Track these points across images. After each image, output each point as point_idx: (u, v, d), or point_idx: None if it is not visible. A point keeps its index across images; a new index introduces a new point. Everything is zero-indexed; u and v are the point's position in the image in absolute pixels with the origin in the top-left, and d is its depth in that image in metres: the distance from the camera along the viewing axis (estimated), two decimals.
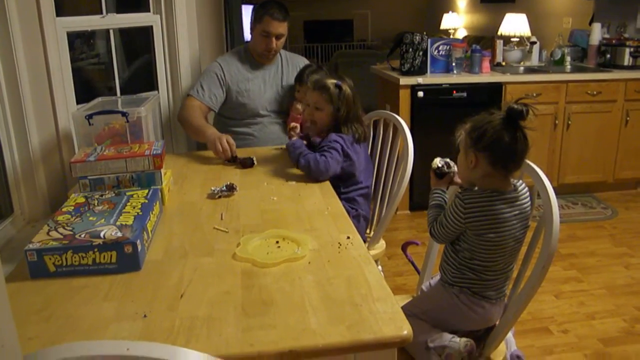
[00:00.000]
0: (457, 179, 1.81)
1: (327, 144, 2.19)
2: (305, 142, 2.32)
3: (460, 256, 1.67)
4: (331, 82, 2.22)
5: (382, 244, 2.39)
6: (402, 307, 1.22)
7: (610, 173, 4.32)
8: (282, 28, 2.73)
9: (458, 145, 1.68)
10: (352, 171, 2.25)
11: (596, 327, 2.62)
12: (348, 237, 1.61)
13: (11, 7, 1.98)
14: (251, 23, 2.81)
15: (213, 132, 2.50)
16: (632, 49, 4.16)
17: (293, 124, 2.52)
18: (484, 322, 1.70)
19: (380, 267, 2.43)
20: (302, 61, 2.95)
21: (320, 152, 2.17)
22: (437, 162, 1.80)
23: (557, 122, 4.11)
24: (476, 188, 1.66)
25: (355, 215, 2.27)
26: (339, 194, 2.21)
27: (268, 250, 1.52)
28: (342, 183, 2.27)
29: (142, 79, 2.98)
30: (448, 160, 1.80)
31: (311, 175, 2.13)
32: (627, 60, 4.19)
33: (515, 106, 1.52)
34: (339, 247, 1.54)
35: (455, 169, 1.78)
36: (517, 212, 1.62)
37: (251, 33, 2.82)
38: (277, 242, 1.57)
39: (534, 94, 4.03)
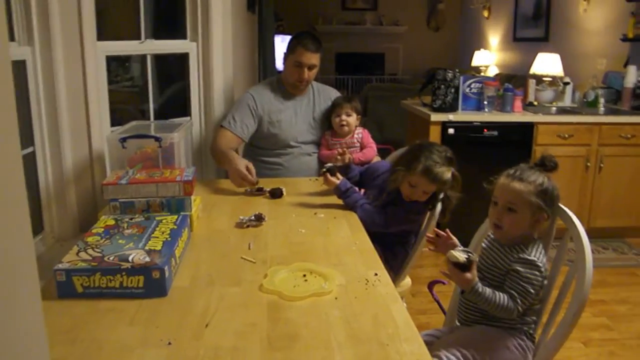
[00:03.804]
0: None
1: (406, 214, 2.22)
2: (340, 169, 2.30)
3: None
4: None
5: (407, 282, 2.36)
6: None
7: None
8: (314, 59, 2.76)
9: (493, 197, 1.68)
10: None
11: None
12: (376, 274, 1.58)
13: (55, 30, 2.04)
14: (284, 54, 2.85)
15: (237, 163, 2.39)
16: None
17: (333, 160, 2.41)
18: None
19: (404, 304, 2.39)
20: (334, 93, 2.97)
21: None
22: (460, 255, 1.55)
23: (588, 164, 4.04)
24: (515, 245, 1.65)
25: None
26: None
27: (295, 284, 1.50)
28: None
29: (175, 104, 3.02)
30: (464, 249, 1.64)
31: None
32: None
33: (553, 159, 1.65)
34: (366, 284, 1.52)
35: (475, 254, 1.63)
36: None
37: (284, 63, 2.85)
38: (304, 275, 1.55)
39: (566, 135, 3.98)
